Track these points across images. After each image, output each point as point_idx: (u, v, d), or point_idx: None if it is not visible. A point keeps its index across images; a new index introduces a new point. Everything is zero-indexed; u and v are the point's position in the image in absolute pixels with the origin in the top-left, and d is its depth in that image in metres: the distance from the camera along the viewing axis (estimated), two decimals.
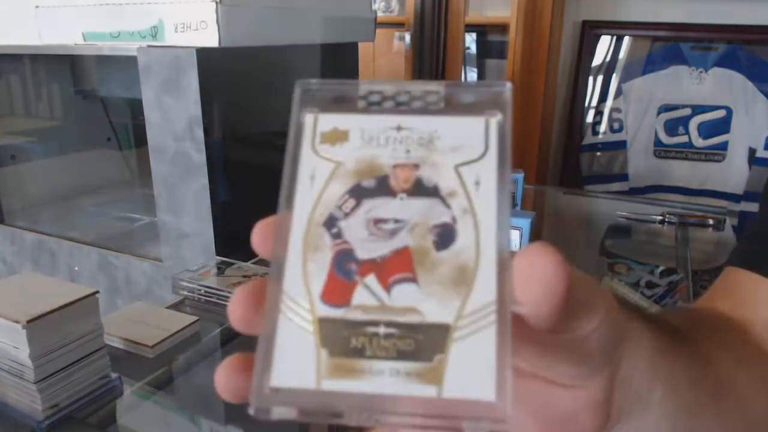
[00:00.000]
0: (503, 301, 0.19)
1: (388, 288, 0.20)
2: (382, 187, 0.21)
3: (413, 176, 0.21)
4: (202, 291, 1.02)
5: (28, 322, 0.66)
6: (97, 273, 1.37)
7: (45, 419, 0.70)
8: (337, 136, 0.22)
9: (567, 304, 0.20)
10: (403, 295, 0.20)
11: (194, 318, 0.93)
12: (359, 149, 0.22)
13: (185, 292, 1.04)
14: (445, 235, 0.20)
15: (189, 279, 1.03)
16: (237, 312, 0.21)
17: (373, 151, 0.22)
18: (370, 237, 0.21)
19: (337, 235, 0.21)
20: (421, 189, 0.21)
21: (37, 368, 0.68)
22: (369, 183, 0.21)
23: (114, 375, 0.78)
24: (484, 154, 0.21)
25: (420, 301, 0.20)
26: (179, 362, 0.86)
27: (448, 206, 0.21)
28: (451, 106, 0.22)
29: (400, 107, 0.22)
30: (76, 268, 1.41)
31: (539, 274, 0.19)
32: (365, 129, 0.22)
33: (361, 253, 0.20)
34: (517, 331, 0.20)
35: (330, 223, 0.21)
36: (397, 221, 0.21)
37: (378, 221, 0.21)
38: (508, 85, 0.22)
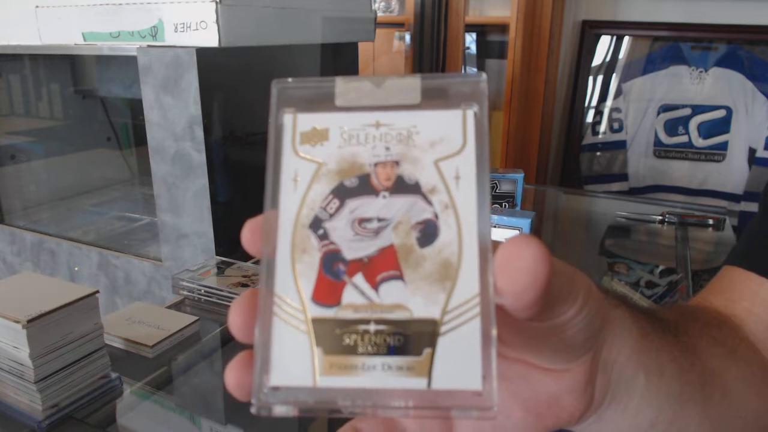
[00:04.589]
0: (486, 294, 0.20)
1: (375, 286, 0.21)
2: (365, 186, 0.22)
3: (394, 174, 0.22)
4: (202, 291, 1.02)
5: (28, 322, 0.66)
6: (97, 273, 1.37)
7: (45, 419, 0.70)
8: (317, 136, 0.22)
9: (547, 293, 0.20)
10: (391, 292, 0.20)
11: (194, 318, 0.93)
12: (339, 148, 0.22)
13: (185, 292, 1.04)
14: (427, 232, 0.21)
15: (189, 279, 1.03)
16: (237, 322, 0.21)
17: (353, 150, 0.22)
18: (355, 237, 0.21)
19: (324, 237, 0.21)
20: (402, 186, 0.21)
21: (37, 368, 0.68)
22: (351, 182, 0.22)
23: (114, 375, 0.78)
24: (462, 148, 0.22)
25: (407, 298, 0.20)
26: (179, 362, 0.86)
27: (429, 202, 0.21)
28: (428, 100, 0.22)
29: (378, 103, 0.23)
30: (76, 268, 1.41)
31: (521, 265, 0.19)
32: (344, 127, 0.22)
33: (348, 253, 0.21)
34: (500, 319, 0.21)
35: (316, 224, 0.21)
36: (380, 220, 0.21)
37: (362, 221, 0.21)
38: (484, 75, 0.22)
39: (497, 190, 1.16)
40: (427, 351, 0.20)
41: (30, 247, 1.49)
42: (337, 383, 0.20)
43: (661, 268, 1.16)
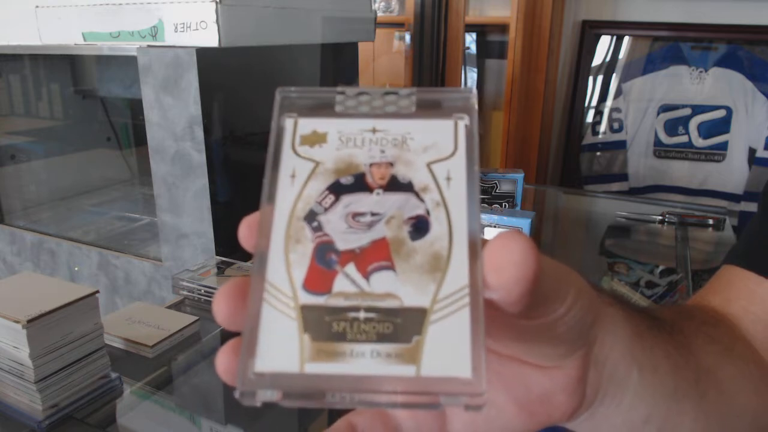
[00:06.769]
0: (475, 285, 0.20)
1: (366, 276, 0.21)
2: (360, 184, 0.23)
3: (388, 173, 0.23)
4: (202, 291, 1.02)
5: (28, 322, 0.66)
6: (97, 273, 1.37)
7: (45, 419, 0.70)
8: (316, 138, 0.24)
9: (536, 289, 0.20)
10: (382, 281, 0.21)
11: (194, 318, 0.93)
12: (337, 150, 0.23)
13: (185, 292, 1.04)
14: (419, 226, 0.22)
15: (189, 279, 1.03)
16: (222, 308, 0.21)
17: (350, 151, 0.23)
18: (348, 229, 0.22)
19: (318, 228, 0.22)
20: (396, 185, 0.22)
21: (37, 368, 0.68)
22: (347, 180, 0.23)
23: (114, 375, 0.78)
24: (453, 153, 0.23)
25: (397, 287, 0.21)
26: (179, 362, 0.86)
27: (421, 200, 0.22)
28: (422, 110, 0.24)
29: (375, 111, 0.24)
30: (76, 268, 1.41)
31: (509, 259, 0.20)
32: (342, 131, 0.24)
33: (341, 244, 0.22)
34: (492, 316, 0.21)
35: (310, 217, 0.22)
36: (374, 214, 0.22)
37: (356, 215, 0.22)
38: (474, 91, 0.24)
39: (497, 190, 1.16)
40: (416, 338, 0.20)
41: (30, 247, 1.49)
42: (325, 369, 0.20)
43: (661, 268, 1.16)
